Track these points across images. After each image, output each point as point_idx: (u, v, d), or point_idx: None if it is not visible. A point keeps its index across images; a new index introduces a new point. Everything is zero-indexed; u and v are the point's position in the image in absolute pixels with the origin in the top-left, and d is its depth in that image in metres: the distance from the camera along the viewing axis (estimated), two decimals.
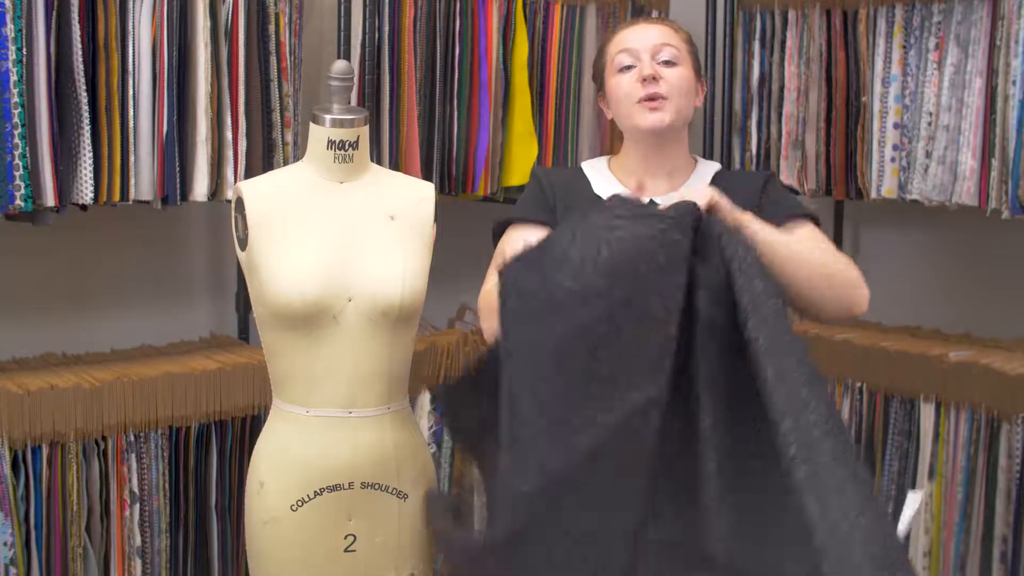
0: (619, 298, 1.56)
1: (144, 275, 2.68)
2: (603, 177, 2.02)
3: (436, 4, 2.62)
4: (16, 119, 2.10)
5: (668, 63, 1.94)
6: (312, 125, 1.99)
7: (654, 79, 1.91)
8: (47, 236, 2.38)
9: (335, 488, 1.94)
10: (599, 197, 1.95)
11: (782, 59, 2.96)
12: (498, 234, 1.98)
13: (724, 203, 1.72)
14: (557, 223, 1.91)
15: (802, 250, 1.77)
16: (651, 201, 1.91)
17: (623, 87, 1.95)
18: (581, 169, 2.04)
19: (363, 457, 1.94)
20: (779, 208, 1.92)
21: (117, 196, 2.26)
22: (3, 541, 2.12)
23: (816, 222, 1.92)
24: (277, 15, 2.42)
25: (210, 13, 2.32)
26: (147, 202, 2.32)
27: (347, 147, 1.98)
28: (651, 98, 1.92)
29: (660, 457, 1.59)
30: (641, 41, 1.95)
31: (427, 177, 2.60)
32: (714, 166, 2.04)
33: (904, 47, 2.74)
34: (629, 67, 1.94)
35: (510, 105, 2.76)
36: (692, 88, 1.98)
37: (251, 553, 2.01)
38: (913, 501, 1.68)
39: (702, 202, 1.68)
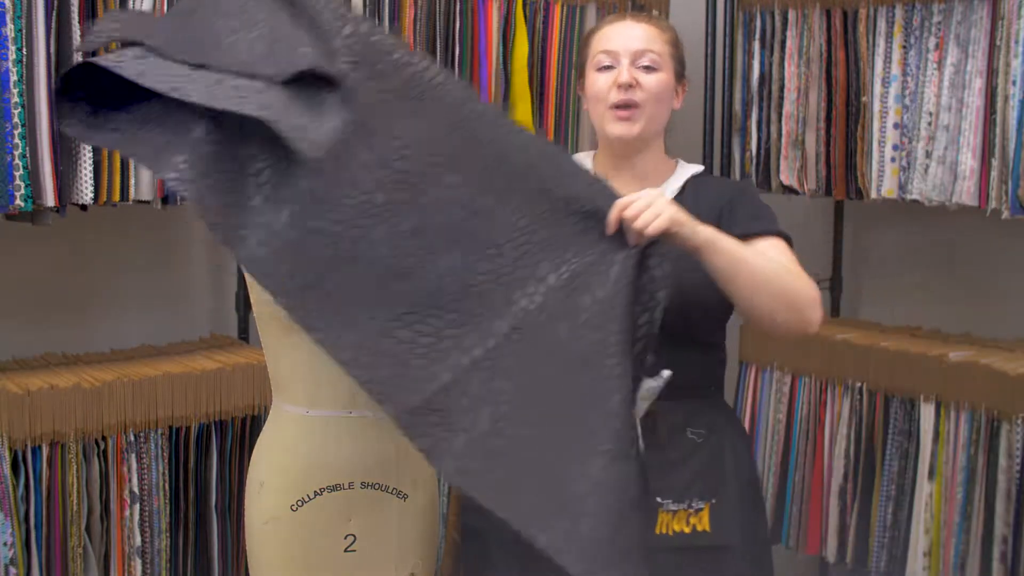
0: None
1: (145, 275, 2.68)
2: None
3: (436, 4, 2.62)
4: (16, 119, 2.10)
5: (648, 68, 1.94)
6: None
7: (630, 86, 1.92)
8: (47, 236, 2.37)
9: (335, 488, 1.94)
10: None
11: (782, 59, 2.96)
12: None
13: (685, 229, 1.67)
14: None
15: (764, 268, 1.76)
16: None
17: (598, 87, 1.96)
18: None
19: (363, 457, 1.94)
20: (746, 221, 1.91)
21: (117, 196, 2.27)
22: (3, 541, 2.12)
23: (787, 239, 1.91)
24: None
25: None
26: (147, 202, 2.32)
27: None
28: (624, 105, 1.92)
29: None
30: (623, 43, 1.95)
31: None
32: (693, 169, 2.03)
33: (904, 47, 2.74)
34: (608, 67, 1.95)
35: (510, 105, 2.76)
36: (670, 93, 1.98)
37: (251, 553, 2.01)
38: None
39: (661, 225, 1.64)
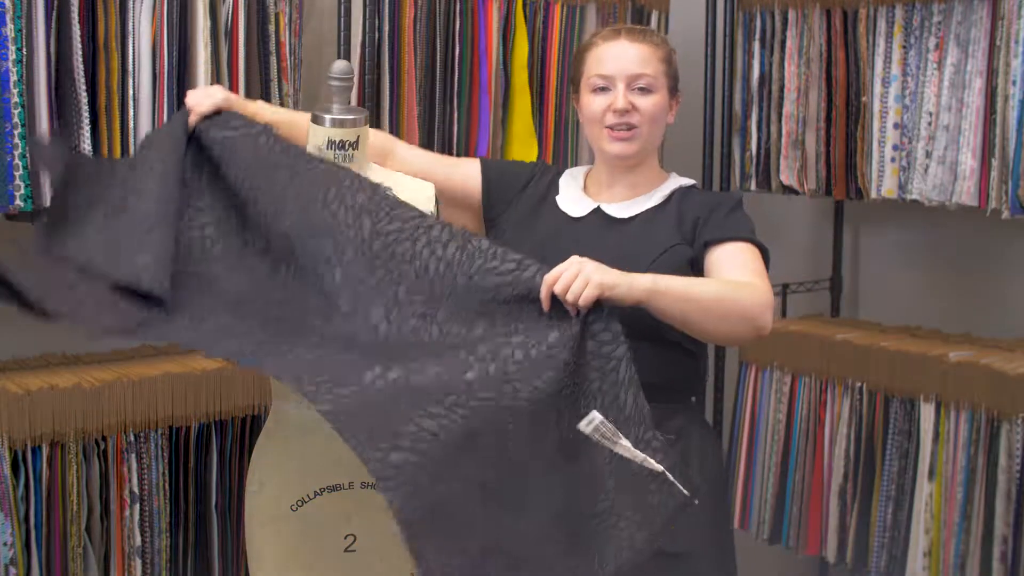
0: None
1: None
2: (573, 186, 2.10)
3: (436, 4, 2.62)
4: (16, 119, 2.10)
5: (643, 90, 1.98)
6: (312, 125, 1.99)
7: (626, 111, 1.95)
8: None
9: (335, 488, 1.94)
10: (555, 204, 2.06)
11: (782, 59, 2.96)
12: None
13: (620, 289, 1.70)
14: (495, 211, 2.09)
15: (708, 294, 1.80)
16: (598, 208, 2.02)
17: (594, 109, 2.00)
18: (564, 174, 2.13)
19: None
20: (717, 228, 1.94)
21: None
22: (3, 541, 2.12)
23: (759, 247, 1.94)
24: (277, 15, 2.42)
25: (210, 13, 2.32)
26: None
27: (347, 147, 1.98)
28: (621, 127, 1.96)
29: None
30: (617, 67, 1.98)
31: None
32: (683, 182, 2.07)
33: (904, 47, 2.74)
34: (603, 88, 1.98)
35: (510, 105, 2.76)
36: (665, 112, 2.03)
37: (251, 553, 2.01)
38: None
39: (592, 294, 1.67)
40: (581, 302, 1.66)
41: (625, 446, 1.66)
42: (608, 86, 1.98)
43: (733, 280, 1.86)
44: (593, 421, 1.65)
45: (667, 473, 1.67)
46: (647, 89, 1.98)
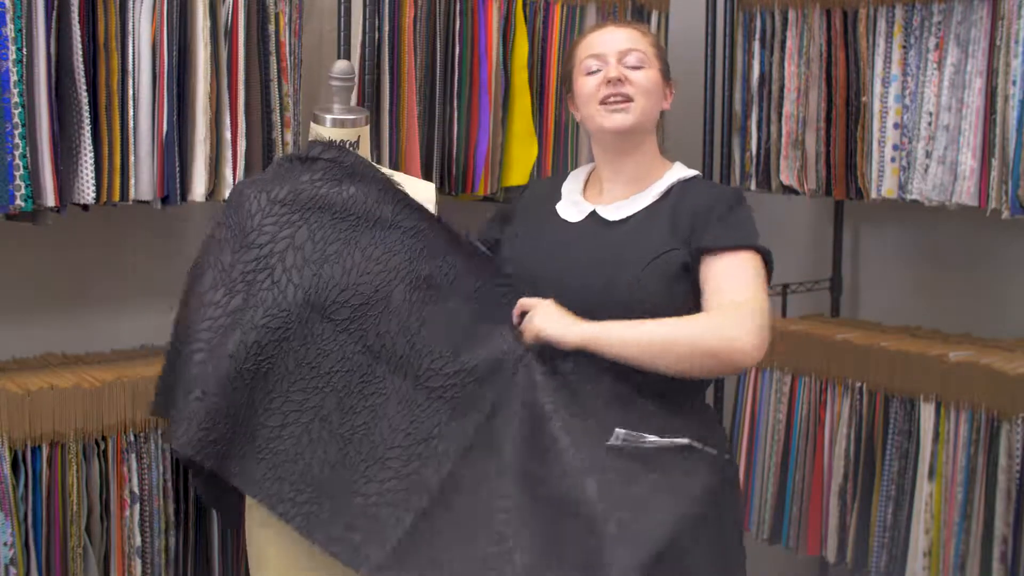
0: None
1: (144, 275, 2.68)
2: (573, 190, 2.11)
3: (436, 4, 2.62)
4: (16, 119, 2.10)
5: (635, 67, 1.98)
6: (313, 125, 1.99)
7: (619, 81, 1.95)
8: (47, 236, 2.37)
9: None
10: (555, 212, 2.08)
11: (782, 59, 2.96)
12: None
13: (553, 338, 1.85)
14: (510, 231, 2.14)
15: (655, 339, 1.84)
16: (594, 212, 2.04)
17: (588, 88, 2.00)
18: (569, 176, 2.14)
19: None
20: (715, 234, 1.92)
21: (117, 196, 2.26)
22: (3, 541, 2.12)
23: (761, 252, 1.93)
24: (277, 15, 2.42)
25: (210, 13, 2.32)
26: (147, 202, 2.32)
27: (348, 147, 1.98)
28: (616, 99, 1.95)
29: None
30: (608, 46, 2.00)
31: (427, 177, 2.60)
32: (684, 173, 2.05)
33: (904, 47, 2.74)
34: (596, 71, 1.98)
35: (510, 105, 2.76)
36: (659, 90, 2.02)
37: (251, 553, 2.01)
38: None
39: (528, 338, 1.89)
40: (527, 342, 1.89)
41: (651, 440, 1.83)
42: (600, 66, 1.99)
43: (704, 314, 1.87)
44: (619, 436, 1.82)
45: (692, 443, 1.87)
46: (638, 65, 1.99)
